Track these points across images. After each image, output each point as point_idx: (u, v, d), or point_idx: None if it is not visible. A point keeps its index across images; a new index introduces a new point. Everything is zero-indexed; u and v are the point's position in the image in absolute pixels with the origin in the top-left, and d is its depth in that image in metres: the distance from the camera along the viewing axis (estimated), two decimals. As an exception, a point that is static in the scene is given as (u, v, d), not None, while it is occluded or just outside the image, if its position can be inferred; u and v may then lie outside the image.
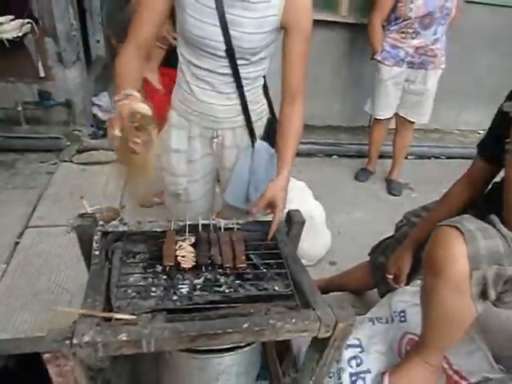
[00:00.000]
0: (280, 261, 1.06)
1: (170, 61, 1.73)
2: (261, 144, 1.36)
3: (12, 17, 2.66)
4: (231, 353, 0.99)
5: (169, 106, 1.35)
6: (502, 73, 3.61)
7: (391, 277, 1.39)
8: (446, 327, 1.02)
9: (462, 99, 3.82)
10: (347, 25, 3.29)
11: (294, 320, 0.86)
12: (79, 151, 2.94)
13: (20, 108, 2.96)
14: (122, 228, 1.09)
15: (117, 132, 0.90)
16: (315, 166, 3.17)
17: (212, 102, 1.24)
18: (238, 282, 1.00)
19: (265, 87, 1.37)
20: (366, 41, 2.76)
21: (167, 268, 0.99)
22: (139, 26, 1.11)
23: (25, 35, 2.71)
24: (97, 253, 0.99)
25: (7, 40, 2.60)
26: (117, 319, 0.83)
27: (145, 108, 0.91)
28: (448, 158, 3.57)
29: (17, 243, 2.05)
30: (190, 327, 0.81)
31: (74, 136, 3.06)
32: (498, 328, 1.18)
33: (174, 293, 0.94)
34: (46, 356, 0.76)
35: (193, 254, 1.02)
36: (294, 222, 1.16)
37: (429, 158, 3.60)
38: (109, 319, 0.83)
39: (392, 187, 2.99)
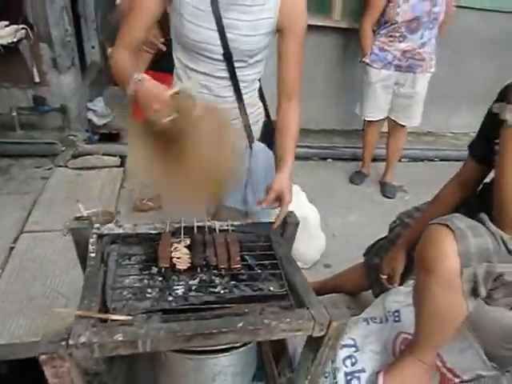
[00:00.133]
0: (274, 261, 1.07)
1: (160, 65, 1.75)
2: (258, 145, 1.38)
3: (7, 23, 2.66)
4: (227, 353, 0.99)
5: None
6: (493, 76, 3.65)
7: (385, 277, 1.40)
8: (438, 324, 1.03)
9: (454, 102, 3.88)
10: (340, 29, 3.33)
11: (288, 319, 0.87)
12: (74, 156, 2.94)
13: (15, 113, 2.96)
14: (117, 230, 1.10)
15: (168, 118, 0.90)
16: (310, 170, 3.19)
17: None
18: (232, 282, 1.01)
19: (260, 91, 1.39)
20: (359, 45, 2.80)
21: (162, 269, 0.99)
22: (129, 30, 1.13)
23: (19, 41, 2.71)
24: (92, 255, 1.00)
25: (2, 46, 2.60)
26: (113, 320, 0.84)
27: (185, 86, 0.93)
28: (441, 160, 3.60)
29: (12, 248, 2.04)
30: (185, 327, 0.82)
31: (68, 141, 3.06)
32: (490, 326, 1.20)
33: (170, 294, 0.95)
34: (42, 357, 0.76)
35: (188, 256, 1.03)
36: (288, 223, 1.17)
37: (422, 160, 3.64)
38: (105, 320, 0.84)
39: (386, 190, 3.02)
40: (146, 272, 1.02)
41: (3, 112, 2.97)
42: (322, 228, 2.21)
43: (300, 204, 2.08)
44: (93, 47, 3.80)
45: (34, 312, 1.69)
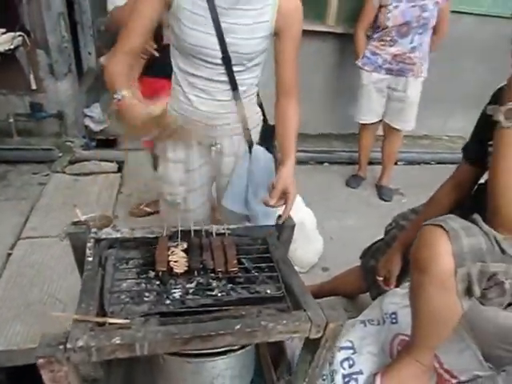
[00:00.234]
0: (271, 264, 1.07)
1: (153, 70, 1.77)
2: (258, 149, 1.39)
3: (3, 30, 2.67)
4: (225, 356, 1.00)
5: None
6: (487, 80, 3.69)
7: (381, 279, 1.41)
8: (434, 325, 1.04)
9: (450, 106, 3.91)
10: (336, 35, 3.36)
11: (285, 321, 0.88)
12: (71, 162, 2.94)
13: (12, 120, 2.97)
14: (115, 235, 1.11)
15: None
16: (307, 174, 3.20)
17: (209, 110, 1.26)
18: (229, 285, 1.02)
19: (258, 96, 1.40)
20: (353, 50, 2.85)
21: (160, 273, 1.00)
22: (129, 36, 1.15)
23: (16, 48, 2.72)
24: (90, 259, 1.00)
25: (-1, 53, 2.62)
26: (110, 324, 0.84)
27: (154, 109, 0.99)
28: (437, 163, 3.63)
29: (9, 254, 2.04)
30: (183, 330, 0.82)
31: (66, 147, 3.07)
32: (485, 326, 1.21)
33: (167, 297, 0.95)
34: (39, 361, 0.76)
35: (185, 259, 1.03)
36: (284, 226, 1.18)
37: (418, 163, 3.66)
38: (102, 324, 0.84)
39: (383, 193, 3.04)
40: (144, 276, 1.02)
41: (0, 119, 2.97)
42: (320, 231, 2.22)
43: (297, 208, 2.08)
44: (89, 53, 3.82)
45: (31, 318, 1.68)
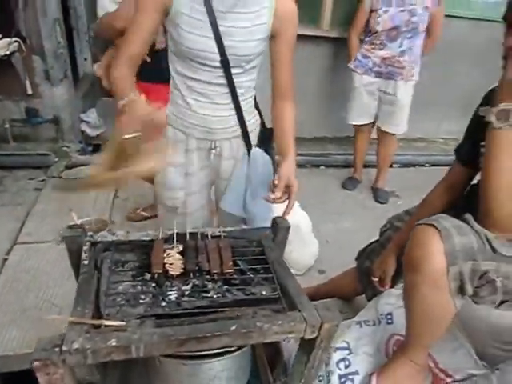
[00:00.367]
0: (266, 266, 1.08)
1: (144, 75, 1.78)
2: (256, 151, 1.40)
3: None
4: (221, 358, 1.00)
5: None
6: (482, 83, 3.73)
7: (376, 280, 1.42)
8: (427, 323, 1.05)
9: (444, 109, 3.95)
10: (330, 39, 3.40)
11: (280, 322, 0.88)
12: (68, 167, 2.95)
13: (7, 125, 2.97)
14: (110, 238, 1.11)
15: (130, 132, 0.98)
16: (303, 177, 3.17)
17: (208, 114, 1.28)
18: (225, 287, 1.02)
19: (255, 100, 1.42)
20: (347, 53, 2.90)
21: (156, 275, 1.00)
22: (129, 45, 1.17)
23: (12, 53, 2.74)
24: (86, 262, 1.00)
25: (-5, 59, 2.63)
26: (106, 326, 0.84)
27: (157, 115, 0.99)
28: (432, 165, 3.66)
29: (5, 260, 2.04)
30: (178, 331, 0.83)
31: (62, 152, 3.07)
32: (478, 325, 1.21)
33: (163, 299, 0.96)
34: (35, 364, 0.77)
35: (181, 262, 1.03)
36: (279, 227, 1.18)
37: (414, 166, 3.69)
38: (98, 326, 0.84)
39: (378, 195, 3.06)
40: (140, 278, 1.03)
41: (-4, 124, 2.98)
42: (316, 234, 2.23)
43: (292, 211, 2.10)
44: (85, 59, 3.82)
45: (27, 323, 1.68)
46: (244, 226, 1.46)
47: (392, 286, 1.41)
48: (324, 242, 2.37)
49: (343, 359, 1.24)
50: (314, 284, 1.87)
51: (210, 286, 1.02)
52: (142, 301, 0.95)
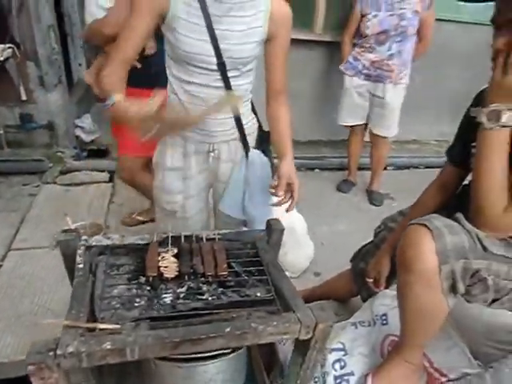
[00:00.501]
0: (261, 268, 1.09)
1: (133, 80, 1.79)
2: (254, 153, 1.41)
3: (-7, 42, 2.70)
4: (216, 360, 1.00)
5: None
6: (472, 85, 3.77)
7: (371, 281, 1.43)
8: (421, 322, 1.06)
9: (436, 111, 3.99)
10: (323, 43, 3.43)
11: (275, 323, 0.89)
12: (62, 173, 2.94)
13: (2, 131, 2.96)
14: (105, 242, 1.11)
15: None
16: (298, 180, 3.22)
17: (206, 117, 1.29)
18: (220, 289, 1.03)
19: (252, 104, 1.43)
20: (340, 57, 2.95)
21: (150, 279, 1.01)
22: (122, 48, 1.17)
23: (6, 60, 2.73)
24: (80, 266, 1.01)
25: (-11, 65, 2.63)
26: (101, 329, 0.84)
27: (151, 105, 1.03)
28: (426, 167, 3.68)
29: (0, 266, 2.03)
30: (173, 333, 0.83)
31: (56, 158, 3.07)
32: (472, 324, 1.22)
33: (158, 302, 0.96)
34: (30, 368, 0.77)
35: (175, 264, 1.04)
36: (273, 229, 1.19)
37: (408, 168, 3.71)
38: (93, 330, 0.84)
39: (373, 198, 3.07)
40: (135, 281, 1.03)
41: (-10, 130, 2.97)
42: (311, 236, 2.23)
43: (287, 214, 2.11)
44: (80, 65, 3.83)
45: (22, 329, 1.67)
46: (244, 229, 1.46)
47: (387, 287, 1.42)
48: (319, 245, 2.37)
49: (338, 360, 1.24)
50: (310, 286, 1.87)
51: (204, 288, 1.03)
52: (136, 304, 0.96)
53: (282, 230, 1.20)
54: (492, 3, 1.02)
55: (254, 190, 1.41)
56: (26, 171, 2.93)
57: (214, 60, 1.18)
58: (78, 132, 3.22)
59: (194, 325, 0.87)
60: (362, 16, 2.65)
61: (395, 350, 1.17)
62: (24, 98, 2.95)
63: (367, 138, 3.09)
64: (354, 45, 2.80)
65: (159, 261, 1.04)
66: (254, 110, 1.44)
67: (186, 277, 1.03)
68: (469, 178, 1.20)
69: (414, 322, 1.07)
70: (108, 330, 0.84)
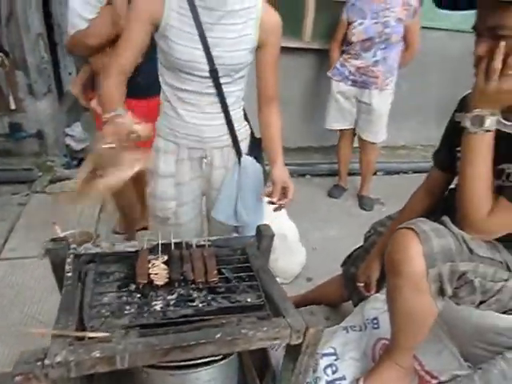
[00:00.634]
0: (251, 273, 1.09)
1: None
2: (247, 159, 1.42)
3: (-18, 51, 2.68)
4: (207, 367, 1.00)
5: None
6: (457, 92, 3.84)
7: (362, 285, 1.43)
8: (410, 325, 1.07)
9: (424, 117, 4.05)
10: (312, 50, 3.47)
11: (265, 328, 0.89)
12: (52, 181, 2.92)
13: (-10, 141, 2.95)
14: (94, 250, 1.11)
15: (109, 142, 0.97)
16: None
17: (199, 123, 1.30)
18: (210, 295, 1.03)
19: (244, 111, 1.44)
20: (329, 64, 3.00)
21: (141, 286, 1.00)
22: (119, 59, 1.18)
23: (-5, 69, 2.73)
24: (69, 274, 1.00)
25: (-23, 74, 2.61)
26: (90, 338, 0.84)
27: (142, 129, 0.99)
28: (414, 172, 3.72)
29: (-12, 276, 2.00)
30: (163, 341, 0.83)
31: (46, 167, 3.05)
32: (461, 325, 1.24)
33: (148, 310, 0.96)
34: (17, 379, 0.75)
35: (166, 271, 1.04)
36: (263, 235, 1.20)
37: (397, 173, 3.75)
38: (82, 338, 0.84)
39: (364, 203, 3.10)
40: (125, 289, 1.02)
41: (-22, 140, 2.95)
42: (303, 243, 2.24)
43: (279, 220, 2.11)
44: (70, 74, 3.80)
45: (12, 339, 1.64)
46: (236, 235, 1.47)
47: (377, 291, 1.42)
48: (311, 250, 2.38)
49: (330, 365, 1.25)
50: (302, 292, 1.87)
51: (195, 294, 1.02)
52: (126, 311, 0.95)
53: (272, 236, 1.21)
54: (474, 11, 1.05)
55: (247, 196, 1.42)
56: (15, 180, 2.91)
57: (207, 67, 1.20)
58: (68, 140, 3.19)
59: (184, 332, 0.87)
60: (349, 24, 2.72)
61: (386, 353, 1.18)
62: (13, 106, 2.93)
63: (356, 144, 3.12)
64: (342, 52, 2.86)
65: (149, 268, 1.03)
66: (246, 117, 1.46)
67: (177, 284, 1.03)
68: (455, 181, 1.22)
69: (404, 325, 1.08)
70: (97, 338, 0.84)
